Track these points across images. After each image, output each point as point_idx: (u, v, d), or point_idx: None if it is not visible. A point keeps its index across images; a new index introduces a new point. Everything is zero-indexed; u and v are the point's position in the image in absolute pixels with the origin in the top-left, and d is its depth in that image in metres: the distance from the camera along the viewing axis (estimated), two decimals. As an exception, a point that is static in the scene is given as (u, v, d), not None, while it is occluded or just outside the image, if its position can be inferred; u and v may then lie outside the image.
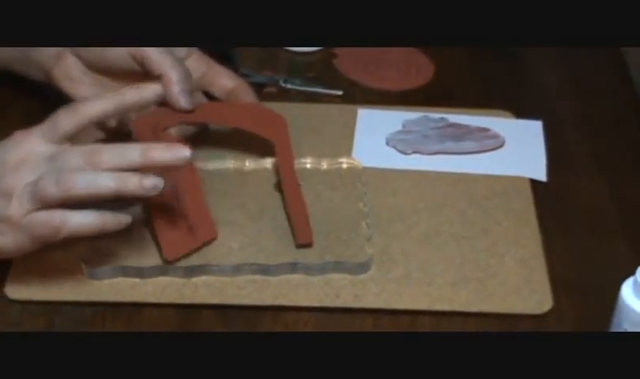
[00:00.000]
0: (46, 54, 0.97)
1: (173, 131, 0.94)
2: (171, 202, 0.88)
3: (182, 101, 0.92)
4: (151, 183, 0.81)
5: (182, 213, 0.88)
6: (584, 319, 0.85)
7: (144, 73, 0.94)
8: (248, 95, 0.98)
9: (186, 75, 0.93)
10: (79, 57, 0.97)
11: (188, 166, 0.89)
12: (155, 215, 0.88)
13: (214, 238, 0.89)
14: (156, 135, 0.92)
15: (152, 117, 0.93)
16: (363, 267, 0.88)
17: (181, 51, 0.96)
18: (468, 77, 1.14)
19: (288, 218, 0.92)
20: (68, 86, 0.97)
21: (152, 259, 0.87)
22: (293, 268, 0.87)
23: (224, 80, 0.98)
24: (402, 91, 1.11)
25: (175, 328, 0.84)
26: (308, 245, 0.89)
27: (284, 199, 0.94)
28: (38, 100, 1.05)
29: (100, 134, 0.96)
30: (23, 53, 0.98)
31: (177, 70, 0.91)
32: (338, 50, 1.16)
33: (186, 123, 0.95)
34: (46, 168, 0.80)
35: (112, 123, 0.96)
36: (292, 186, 0.94)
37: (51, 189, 0.79)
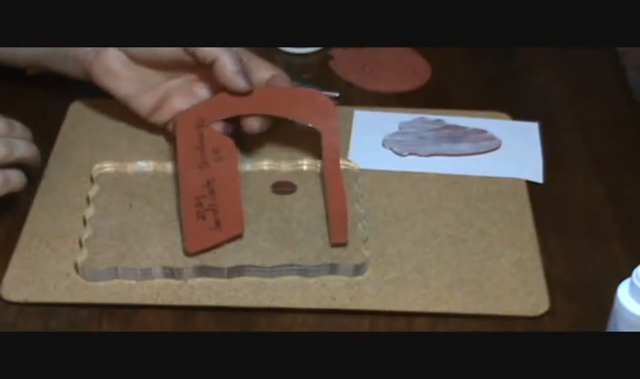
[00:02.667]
0: (85, 49, 0.96)
1: (217, 126, 0.95)
2: (203, 195, 0.89)
3: (239, 82, 0.93)
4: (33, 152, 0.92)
5: (213, 207, 0.89)
6: (580, 321, 0.85)
7: (191, 63, 0.95)
8: (283, 84, 0.98)
9: (238, 57, 0.94)
10: (124, 49, 0.96)
11: (232, 161, 0.91)
12: (184, 205, 0.89)
13: (239, 235, 0.89)
14: (200, 131, 0.93)
15: (196, 111, 0.95)
16: (360, 269, 0.88)
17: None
18: (465, 79, 1.14)
19: (327, 211, 0.92)
20: (107, 81, 0.96)
21: (148, 261, 0.87)
22: (289, 270, 0.87)
23: (262, 72, 0.98)
24: (399, 93, 1.11)
25: (172, 331, 0.84)
26: (342, 244, 0.89)
27: (324, 191, 0.93)
28: (36, 99, 1.05)
29: None
30: (61, 49, 0.97)
31: (229, 53, 0.93)
32: (334, 52, 1.16)
33: (230, 116, 0.95)
34: None
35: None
36: (335, 179, 0.93)
37: None
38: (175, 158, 0.94)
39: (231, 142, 0.94)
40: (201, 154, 0.92)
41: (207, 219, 0.88)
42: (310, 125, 0.96)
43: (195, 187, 0.90)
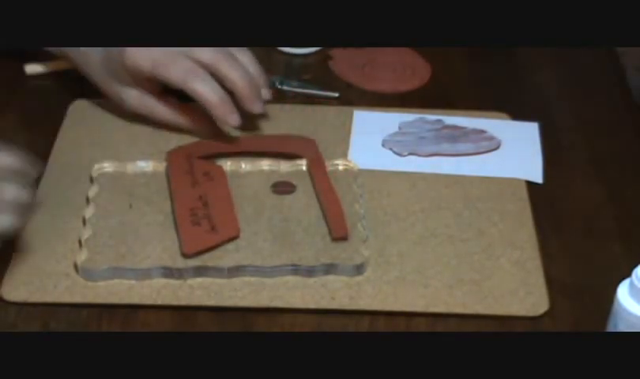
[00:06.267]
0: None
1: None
2: (197, 207, 0.91)
3: (230, 120, 0.97)
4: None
5: (207, 216, 0.90)
6: (580, 321, 0.85)
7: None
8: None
9: (225, 97, 0.96)
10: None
11: (222, 180, 0.94)
12: (179, 215, 0.90)
13: (235, 237, 0.90)
14: (190, 163, 0.95)
15: (187, 147, 0.98)
16: (359, 269, 0.88)
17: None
18: (465, 79, 1.14)
19: (323, 214, 0.92)
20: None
21: (147, 261, 0.87)
22: (289, 270, 0.87)
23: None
24: (398, 93, 1.11)
25: (171, 331, 0.84)
26: (343, 238, 0.90)
27: (317, 197, 0.94)
28: (36, 99, 1.05)
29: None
30: None
31: (216, 94, 0.96)
32: (334, 52, 1.16)
33: (217, 153, 0.98)
34: None
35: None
36: (326, 187, 0.95)
37: None
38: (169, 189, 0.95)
39: (220, 167, 0.96)
40: (192, 177, 0.94)
41: (202, 226, 0.89)
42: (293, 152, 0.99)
43: (189, 201, 0.92)
